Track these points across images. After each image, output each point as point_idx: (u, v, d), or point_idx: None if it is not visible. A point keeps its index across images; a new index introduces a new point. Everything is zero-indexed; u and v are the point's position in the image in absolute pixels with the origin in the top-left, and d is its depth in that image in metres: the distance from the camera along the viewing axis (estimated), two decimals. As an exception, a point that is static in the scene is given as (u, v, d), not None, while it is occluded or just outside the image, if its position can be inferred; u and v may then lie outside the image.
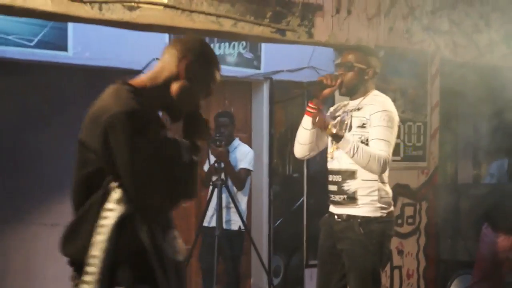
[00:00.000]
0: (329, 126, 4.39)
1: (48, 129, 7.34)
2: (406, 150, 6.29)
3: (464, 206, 7.62)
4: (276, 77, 7.70)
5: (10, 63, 6.52)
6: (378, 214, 4.46)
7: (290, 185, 8.10)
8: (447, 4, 6.45)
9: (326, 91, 4.54)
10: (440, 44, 6.42)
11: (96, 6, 4.76)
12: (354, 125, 4.48)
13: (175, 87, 3.02)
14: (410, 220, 6.40)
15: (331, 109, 4.77)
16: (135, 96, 2.93)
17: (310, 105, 4.56)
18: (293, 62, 7.70)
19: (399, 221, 6.28)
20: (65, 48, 6.33)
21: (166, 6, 4.99)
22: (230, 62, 7.39)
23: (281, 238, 7.86)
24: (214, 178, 6.66)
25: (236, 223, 6.75)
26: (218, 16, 5.21)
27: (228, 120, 6.84)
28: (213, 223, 6.63)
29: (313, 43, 5.90)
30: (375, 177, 4.44)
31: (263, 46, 7.45)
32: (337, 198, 4.53)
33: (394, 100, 6.04)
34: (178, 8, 5.04)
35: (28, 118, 7.35)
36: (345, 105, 4.65)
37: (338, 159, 4.53)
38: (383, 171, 4.39)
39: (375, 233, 4.43)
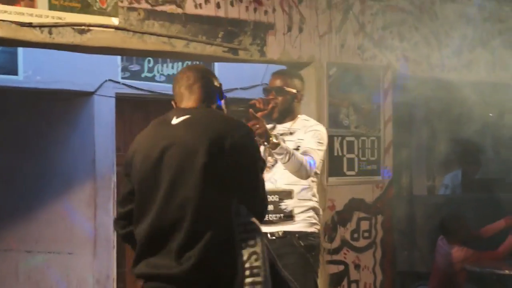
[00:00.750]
0: (271, 136, 4.41)
1: (2, 154, 7.26)
2: (360, 165, 6.31)
3: (420, 217, 7.70)
4: (229, 95, 7.67)
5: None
6: (313, 229, 4.63)
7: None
8: (397, 20, 6.51)
9: (259, 114, 4.53)
10: (391, 59, 6.47)
11: (46, 30, 4.71)
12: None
13: None
14: (366, 234, 6.42)
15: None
16: None
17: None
18: (246, 80, 7.71)
19: (355, 235, 6.30)
20: (15, 72, 6.27)
21: (117, 28, 4.96)
22: (183, 81, 7.37)
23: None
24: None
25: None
26: (170, 37, 5.20)
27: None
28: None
29: (266, 61, 5.92)
30: (310, 196, 4.62)
31: (216, 64, 7.45)
32: (273, 217, 4.58)
33: (347, 116, 6.16)
34: (129, 30, 5.01)
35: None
36: (275, 129, 4.70)
37: (272, 181, 4.58)
38: (308, 177, 4.51)
39: (313, 246, 4.60)
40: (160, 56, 6.34)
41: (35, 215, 7.20)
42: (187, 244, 3.02)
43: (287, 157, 4.38)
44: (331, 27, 6.08)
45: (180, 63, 7.29)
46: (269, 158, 4.62)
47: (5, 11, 4.50)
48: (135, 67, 7.06)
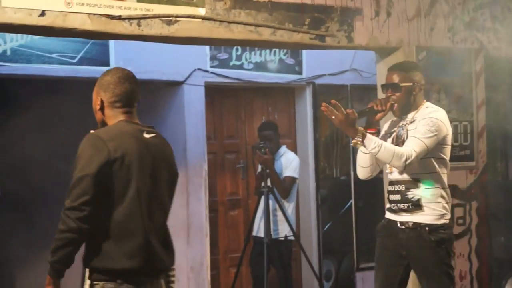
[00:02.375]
0: (356, 126, 4.44)
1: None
2: (453, 151, 6.19)
3: (516, 202, 7.52)
4: (318, 81, 7.68)
5: (54, 81, 6.61)
6: (443, 221, 4.59)
7: (338, 188, 8.04)
8: (489, 0, 6.34)
9: (379, 115, 4.63)
10: (483, 41, 6.31)
11: (135, 22, 4.78)
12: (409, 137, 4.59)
13: None
14: (460, 221, 6.31)
15: (385, 126, 4.84)
16: None
17: (368, 131, 4.59)
18: (335, 66, 7.67)
19: (450, 222, 6.20)
20: (107, 64, 6.40)
21: (204, 18, 5.00)
22: (272, 69, 7.40)
23: (331, 242, 7.82)
24: (261, 186, 6.66)
25: (283, 232, 6.74)
26: (257, 25, 5.21)
27: (272, 133, 6.80)
28: (261, 232, 6.63)
29: (354, 47, 5.87)
30: (437, 184, 4.57)
31: (304, 51, 7.43)
32: (401, 206, 4.62)
33: (438, 101, 6.04)
34: (216, 20, 5.05)
35: (73, 134, 7.42)
36: (397, 121, 4.73)
37: (396, 171, 4.61)
38: (405, 166, 4.46)
39: (444, 239, 4.57)
40: (247, 44, 6.35)
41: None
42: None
43: (376, 149, 4.41)
44: (419, 10, 5.97)
45: (267, 51, 7.30)
46: None
47: (95, 5, 4.60)
48: (223, 56, 7.11)
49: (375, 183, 5.07)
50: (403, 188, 4.60)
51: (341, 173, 8.02)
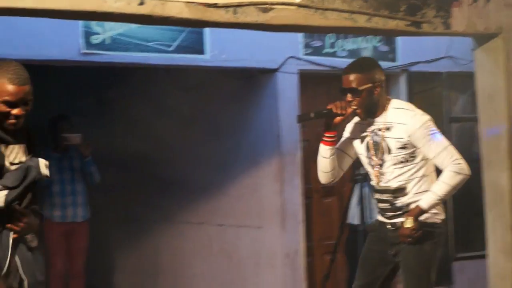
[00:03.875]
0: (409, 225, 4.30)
1: (189, 130, 7.54)
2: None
3: None
4: (413, 68, 7.59)
5: (151, 69, 6.75)
6: (433, 220, 4.42)
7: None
8: None
9: (337, 119, 4.40)
10: None
11: (231, 10, 4.82)
12: (392, 147, 4.36)
13: None
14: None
15: (348, 128, 4.61)
16: None
17: (326, 134, 4.46)
18: (430, 53, 7.56)
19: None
20: (202, 52, 6.48)
21: (299, 5, 5.00)
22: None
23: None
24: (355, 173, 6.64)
25: (378, 219, 6.71)
26: (352, 12, 5.18)
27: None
28: (356, 220, 6.61)
29: (451, 34, 5.77)
30: (427, 187, 4.36)
31: (399, 38, 7.35)
32: (390, 213, 4.47)
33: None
34: (311, 7, 5.04)
35: (169, 120, 7.58)
36: (365, 124, 4.48)
37: (384, 180, 4.45)
38: (469, 171, 4.30)
39: (431, 234, 4.38)
40: (341, 32, 6.33)
41: (225, 189, 7.44)
42: None
43: (440, 201, 4.30)
44: (520, -5, 5.83)
45: (361, 38, 7.26)
46: (374, 158, 4.44)
47: (192, -7, 4.66)
48: (317, 43, 7.10)
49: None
50: (391, 197, 4.44)
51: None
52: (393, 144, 4.35)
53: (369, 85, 4.36)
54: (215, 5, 4.75)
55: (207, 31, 6.44)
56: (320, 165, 4.55)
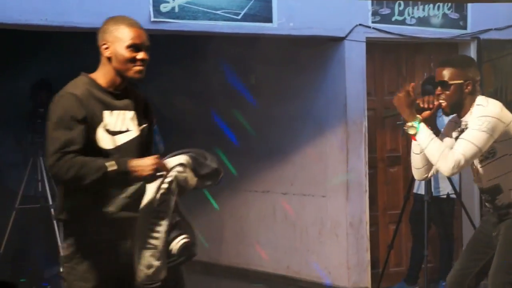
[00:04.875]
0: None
1: (255, 97, 7.54)
2: None
3: None
4: (483, 36, 7.46)
5: (219, 37, 6.76)
6: None
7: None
8: None
9: (425, 114, 4.30)
10: None
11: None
12: None
13: (113, 65, 3.50)
14: None
15: (445, 126, 4.55)
16: (93, 83, 3.44)
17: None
18: (502, 20, 7.41)
19: None
20: (270, 20, 6.46)
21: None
22: (435, 24, 7.24)
23: (493, 201, 7.62)
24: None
25: (444, 190, 6.66)
26: (422, -22, 5.10)
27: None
28: (422, 190, 6.57)
29: (525, 0, 5.64)
30: None
31: (469, 5, 7.22)
32: (496, 213, 4.40)
33: None
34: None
35: (235, 89, 7.60)
36: (457, 123, 4.41)
37: (478, 180, 4.40)
38: (452, 173, 4.19)
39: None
40: (412, -2, 6.25)
41: (290, 158, 7.45)
42: None
43: (426, 141, 4.16)
44: None
45: (431, 6, 7.15)
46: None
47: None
48: (385, 11, 7.01)
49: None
50: (490, 198, 4.39)
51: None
52: None
53: (460, 81, 4.30)
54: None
55: (275, -1, 6.43)
56: (413, 162, 4.49)
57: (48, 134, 3.36)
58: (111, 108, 3.49)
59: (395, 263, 7.31)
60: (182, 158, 3.42)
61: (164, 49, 7.80)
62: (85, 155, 3.31)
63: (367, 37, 6.94)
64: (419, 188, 6.73)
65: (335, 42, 6.92)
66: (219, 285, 7.80)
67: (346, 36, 6.86)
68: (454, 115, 4.41)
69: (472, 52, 7.47)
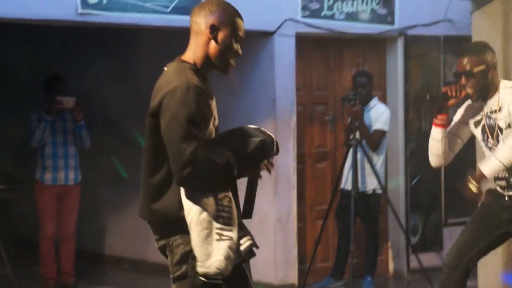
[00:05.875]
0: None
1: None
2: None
3: None
4: (410, 32, 7.55)
5: (148, 30, 6.67)
6: None
7: (427, 142, 7.92)
8: None
9: (451, 101, 4.51)
10: None
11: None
12: (502, 127, 4.50)
13: (211, 50, 3.26)
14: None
15: (461, 111, 4.73)
16: (195, 72, 3.18)
17: (438, 116, 4.58)
18: (428, 16, 7.52)
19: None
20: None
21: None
22: (363, 19, 7.29)
23: (419, 196, 7.74)
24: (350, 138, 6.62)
25: (371, 185, 6.72)
26: (352, -27, 5.12)
27: (366, 80, 6.76)
28: (349, 185, 6.61)
29: (450, -4, 5.72)
30: None
31: (397, 1, 7.30)
32: (508, 190, 4.60)
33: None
34: (310, -32, 4.98)
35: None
36: (478, 107, 4.61)
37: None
38: None
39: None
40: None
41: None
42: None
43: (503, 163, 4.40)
44: (521, -43, 5.78)
45: (359, 1, 7.20)
46: (490, 140, 4.55)
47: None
48: (315, 6, 7.02)
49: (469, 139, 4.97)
50: (507, 175, 4.57)
51: (431, 126, 7.88)
52: (502, 124, 4.49)
53: (483, 66, 4.48)
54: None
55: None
56: (432, 148, 4.66)
57: (177, 133, 3.10)
58: (211, 96, 3.32)
59: (322, 259, 7.34)
60: None
61: (94, 41, 7.69)
62: None
63: (296, 32, 6.94)
64: (346, 184, 6.77)
65: (264, 36, 6.90)
66: (146, 282, 7.70)
67: (276, 30, 6.85)
68: (469, 101, 4.60)
69: (399, 48, 7.57)
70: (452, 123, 4.70)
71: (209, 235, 3.13)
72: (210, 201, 3.14)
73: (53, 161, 6.91)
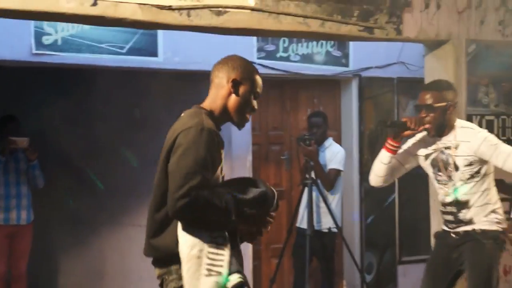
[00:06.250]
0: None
1: (140, 133, 7.47)
2: (500, 145, 6.13)
3: None
4: (364, 73, 7.65)
5: (104, 70, 6.67)
6: (494, 227, 4.75)
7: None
8: (541, -7, 6.26)
9: (407, 132, 4.73)
10: (534, 35, 6.24)
11: (185, 12, 4.80)
12: (460, 164, 4.69)
13: (231, 102, 3.44)
14: (506, 215, 6.25)
15: (411, 142, 4.92)
16: (211, 118, 3.32)
17: (390, 142, 4.78)
18: (382, 58, 7.63)
19: (495, 217, 6.14)
20: (155, 54, 6.44)
21: (253, 9, 5.00)
22: (318, 61, 7.38)
23: (373, 235, 7.80)
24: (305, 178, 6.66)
25: (326, 224, 6.74)
26: (305, 17, 5.20)
27: (321, 120, 6.82)
28: (304, 224, 6.63)
29: (402, 40, 5.83)
30: (487, 201, 4.73)
31: (351, 43, 7.40)
32: (453, 225, 4.80)
33: (486, 94, 5.99)
34: (265, 11, 5.05)
35: (120, 122, 7.50)
36: (430, 142, 4.80)
37: (450, 193, 4.75)
38: None
39: (492, 237, 4.72)
40: (295, 36, 6.34)
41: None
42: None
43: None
44: (470, 3, 5.91)
45: (314, 43, 7.29)
46: (441, 173, 4.74)
47: (146, -5, 4.63)
48: (270, 47, 7.10)
49: (419, 178, 5.08)
50: (455, 210, 4.75)
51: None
52: (461, 162, 4.66)
53: (444, 104, 4.67)
54: (169, 7, 4.73)
55: (160, 33, 6.39)
56: (376, 169, 4.87)
57: (183, 168, 3.19)
58: (222, 146, 3.41)
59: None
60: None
61: (48, 81, 7.65)
62: None
63: (252, 73, 6.99)
64: (302, 222, 6.79)
65: (220, 77, 6.93)
66: (100, 322, 7.62)
67: (233, 71, 6.89)
68: (423, 134, 4.79)
69: (354, 89, 7.66)
70: (400, 151, 4.86)
71: (197, 270, 3.18)
72: (203, 237, 3.20)
73: (6, 201, 6.83)
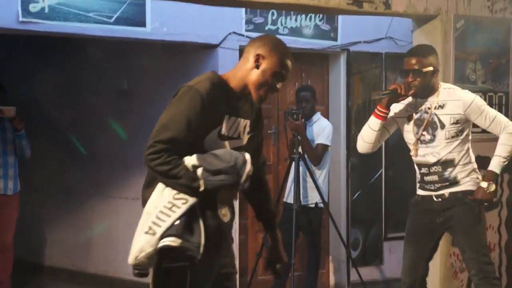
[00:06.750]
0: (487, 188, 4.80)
1: (127, 104, 7.46)
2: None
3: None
4: (353, 48, 7.64)
5: (91, 40, 6.63)
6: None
7: (368, 157, 7.98)
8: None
9: (400, 99, 4.81)
10: (523, 12, 6.23)
11: (173, -18, 4.78)
12: (446, 123, 4.79)
13: (251, 76, 3.37)
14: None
15: (394, 108, 4.94)
16: (215, 84, 3.31)
17: (380, 109, 4.83)
18: (371, 33, 7.63)
19: (480, 193, 6.16)
20: (143, 24, 6.41)
21: (242, -20, 4.98)
22: (307, 34, 7.36)
23: (360, 211, 7.82)
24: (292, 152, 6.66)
25: (313, 199, 6.75)
26: (295, -11, 5.18)
27: (309, 95, 6.81)
28: (291, 199, 6.64)
29: (391, 14, 5.82)
30: (469, 160, 4.87)
31: (340, 17, 7.39)
32: (438, 185, 4.85)
33: (474, 70, 6.01)
34: (254, -18, 5.03)
35: (108, 92, 7.49)
36: (411, 104, 4.90)
37: (435, 154, 4.81)
38: None
39: (478, 200, 4.82)
40: (284, 8, 6.32)
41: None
42: None
43: (505, 163, 4.85)
44: (460, -22, 5.91)
45: (303, 16, 7.27)
46: (425, 133, 4.82)
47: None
48: (259, 20, 7.07)
49: (406, 153, 5.07)
50: (440, 169, 4.82)
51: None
52: (447, 120, 4.77)
53: (431, 68, 4.78)
54: (157, -24, 4.70)
55: (148, 3, 6.36)
56: (365, 136, 4.93)
57: (162, 119, 3.28)
58: (236, 114, 3.40)
59: (263, 272, 7.34)
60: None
61: (35, 49, 7.62)
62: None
63: (240, 45, 6.97)
64: (289, 197, 6.80)
65: (208, 49, 6.93)
66: (85, 293, 7.65)
67: (220, 43, 6.87)
68: (406, 99, 4.86)
69: (342, 64, 7.65)
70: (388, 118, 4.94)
71: (143, 225, 3.20)
72: (165, 195, 3.21)
73: (-8, 170, 6.80)
